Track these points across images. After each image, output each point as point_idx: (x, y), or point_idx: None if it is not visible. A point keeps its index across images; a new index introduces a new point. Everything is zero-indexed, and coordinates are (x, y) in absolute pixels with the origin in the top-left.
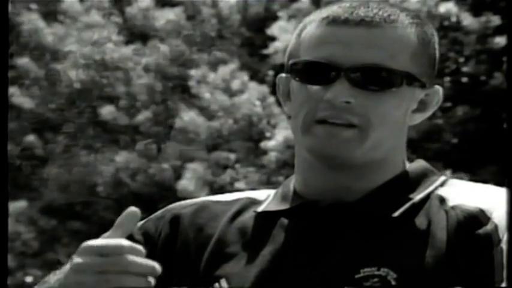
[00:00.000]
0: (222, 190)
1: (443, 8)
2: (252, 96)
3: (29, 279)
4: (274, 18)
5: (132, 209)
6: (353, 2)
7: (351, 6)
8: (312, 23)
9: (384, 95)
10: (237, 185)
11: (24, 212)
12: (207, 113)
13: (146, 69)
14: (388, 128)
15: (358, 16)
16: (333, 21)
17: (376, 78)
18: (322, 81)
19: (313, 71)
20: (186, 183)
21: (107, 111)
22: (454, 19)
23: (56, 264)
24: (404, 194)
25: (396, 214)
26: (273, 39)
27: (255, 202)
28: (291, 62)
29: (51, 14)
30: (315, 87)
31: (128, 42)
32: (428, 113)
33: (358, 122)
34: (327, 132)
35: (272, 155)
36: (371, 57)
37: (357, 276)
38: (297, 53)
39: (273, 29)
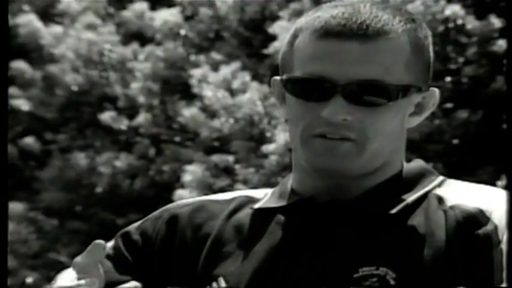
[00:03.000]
0: (221, 192)
1: (449, 11)
2: (253, 95)
3: (29, 279)
4: (273, 18)
5: (98, 242)
6: (345, 7)
7: (343, 16)
8: (304, 33)
9: (381, 109)
10: (237, 187)
11: (25, 213)
12: (207, 112)
13: (144, 70)
14: (386, 139)
15: (351, 29)
16: (325, 35)
17: (372, 94)
18: (317, 98)
19: (308, 88)
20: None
21: (106, 113)
22: (459, 22)
23: (56, 265)
24: (402, 192)
25: (394, 211)
26: (272, 39)
27: (252, 200)
28: (284, 77)
29: (48, 15)
30: (311, 104)
31: (125, 43)
32: (425, 115)
33: (355, 136)
34: (325, 147)
35: (273, 159)
36: (366, 73)
37: (355, 275)
38: (290, 63)
39: (275, 28)
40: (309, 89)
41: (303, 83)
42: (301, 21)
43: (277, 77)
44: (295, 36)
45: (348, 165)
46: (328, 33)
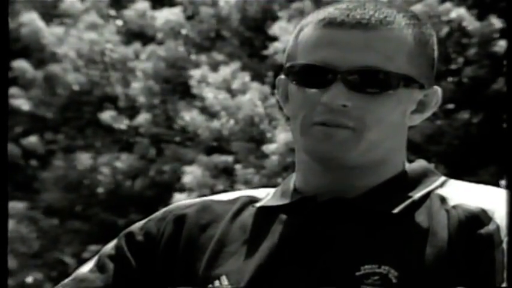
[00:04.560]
0: (221, 193)
1: (454, 14)
2: (254, 96)
3: (29, 279)
4: (274, 18)
5: None
6: (350, 3)
7: (348, 8)
8: (309, 25)
9: (381, 98)
10: (237, 188)
11: (25, 213)
12: (207, 113)
13: (145, 70)
14: (384, 130)
15: (354, 18)
16: (329, 24)
17: (372, 81)
18: (318, 84)
19: (310, 74)
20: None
21: (106, 113)
22: (464, 23)
23: (56, 265)
24: (404, 191)
25: (396, 210)
26: (273, 39)
27: (255, 200)
28: (287, 64)
29: (50, 15)
30: (312, 90)
31: (127, 42)
32: (427, 114)
33: (354, 124)
34: (323, 134)
35: (274, 159)
36: (367, 60)
37: (357, 273)
38: (294, 55)
39: (274, 29)
40: (311, 76)
41: (304, 69)
42: (307, 18)
43: (282, 76)
44: (300, 30)
45: (345, 153)
46: (331, 22)
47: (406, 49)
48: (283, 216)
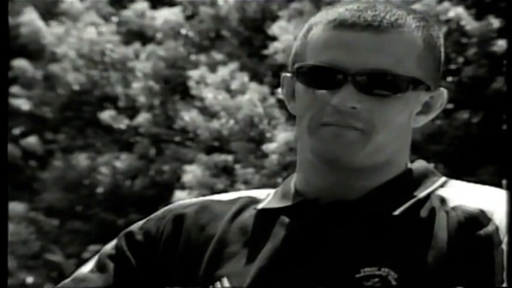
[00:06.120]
0: (221, 192)
1: (452, 13)
2: (253, 96)
3: (29, 279)
4: (273, 18)
5: None
6: (360, 3)
7: (358, 9)
8: (319, 25)
9: (390, 100)
10: (237, 187)
11: (25, 213)
12: (207, 113)
13: (145, 70)
14: (392, 132)
15: (366, 20)
16: (340, 25)
17: (382, 84)
18: (328, 86)
19: (319, 75)
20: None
21: (106, 113)
22: (462, 23)
23: (56, 265)
24: (405, 193)
25: (397, 212)
26: (272, 39)
27: (255, 201)
28: (296, 65)
29: (50, 15)
30: (321, 91)
31: (126, 42)
32: (432, 115)
33: (362, 126)
34: (332, 134)
35: (274, 158)
36: (377, 63)
37: (357, 275)
38: (303, 55)
39: (274, 29)
40: (320, 77)
41: (314, 70)
42: (315, 17)
43: (288, 74)
44: (309, 30)
45: (352, 154)
46: (342, 23)
47: (416, 52)
48: (285, 219)
